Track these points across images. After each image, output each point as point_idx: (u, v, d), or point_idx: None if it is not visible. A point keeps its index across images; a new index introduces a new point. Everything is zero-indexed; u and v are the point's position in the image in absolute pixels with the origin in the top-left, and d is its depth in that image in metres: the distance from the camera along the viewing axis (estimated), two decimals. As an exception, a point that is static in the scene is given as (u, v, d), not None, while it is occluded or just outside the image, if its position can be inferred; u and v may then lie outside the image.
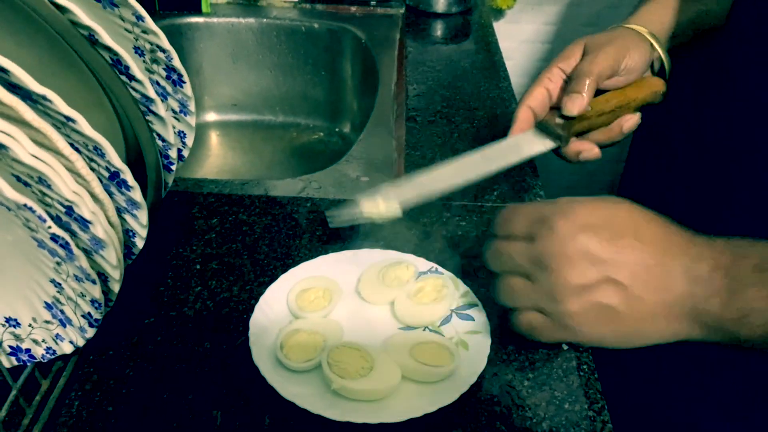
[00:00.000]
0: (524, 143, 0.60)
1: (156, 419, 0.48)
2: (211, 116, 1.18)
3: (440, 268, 0.58)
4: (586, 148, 0.60)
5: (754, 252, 0.41)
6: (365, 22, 1.11)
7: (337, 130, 1.16)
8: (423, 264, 0.59)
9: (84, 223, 0.35)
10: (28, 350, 0.43)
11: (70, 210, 0.34)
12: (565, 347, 0.54)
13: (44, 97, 0.34)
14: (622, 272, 0.43)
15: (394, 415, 0.46)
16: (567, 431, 0.48)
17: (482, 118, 0.86)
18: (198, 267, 0.61)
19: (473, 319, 0.54)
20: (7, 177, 0.34)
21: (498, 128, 0.84)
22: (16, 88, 0.34)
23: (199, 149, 1.15)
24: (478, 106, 0.89)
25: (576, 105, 0.56)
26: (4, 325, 0.42)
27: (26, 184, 0.34)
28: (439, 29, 1.14)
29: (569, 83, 0.59)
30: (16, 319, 0.42)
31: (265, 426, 0.48)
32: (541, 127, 0.60)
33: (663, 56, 0.63)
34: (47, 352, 0.43)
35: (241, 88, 1.17)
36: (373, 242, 0.63)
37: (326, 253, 0.61)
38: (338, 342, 0.51)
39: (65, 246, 0.34)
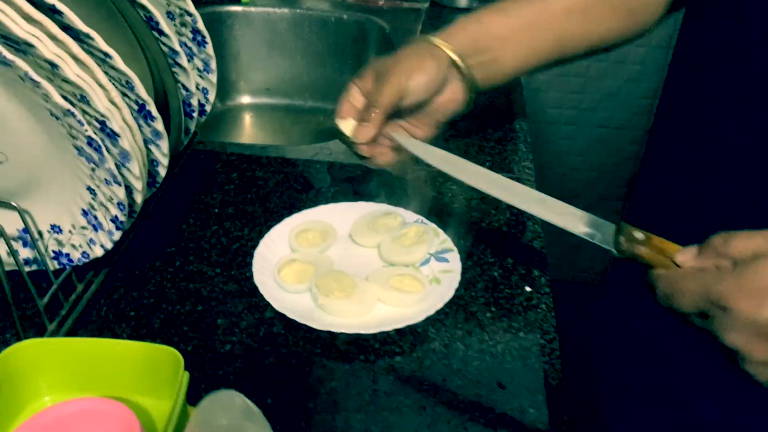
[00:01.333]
0: (574, 218, 0.49)
1: (169, 323, 0.57)
2: (245, 99, 1.28)
3: (425, 220, 0.66)
4: (380, 152, 0.58)
5: None
6: (391, 15, 1.20)
7: (360, 115, 1.24)
8: (410, 216, 0.66)
9: (114, 137, 0.44)
10: (67, 254, 0.53)
11: (103, 125, 0.43)
12: (528, 289, 0.61)
13: (88, 36, 0.43)
14: None
15: (368, 328, 0.54)
16: (519, 353, 0.55)
17: (482, 107, 0.93)
18: (216, 211, 0.70)
19: (448, 261, 0.61)
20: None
21: (499, 116, 0.91)
22: (67, 29, 0.43)
23: (234, 129, 1.24)
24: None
25: (363, 134, 0.56)
26: (49, 232, 0.52)
27: (71, 103, 0.43)
28: (459, 24, 1.21)
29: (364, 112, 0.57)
30: (59, 226, 0.52)
31: (260, 336, 0.56)
32: (616, 229, 0.48)
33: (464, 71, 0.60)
34: (83, 256, 0.52)
35: (274, 74, 1.27)
36: (370, 198, 0.71)
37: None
38: (328, 271, 0.59)
39: (98, 149, 0.43)
